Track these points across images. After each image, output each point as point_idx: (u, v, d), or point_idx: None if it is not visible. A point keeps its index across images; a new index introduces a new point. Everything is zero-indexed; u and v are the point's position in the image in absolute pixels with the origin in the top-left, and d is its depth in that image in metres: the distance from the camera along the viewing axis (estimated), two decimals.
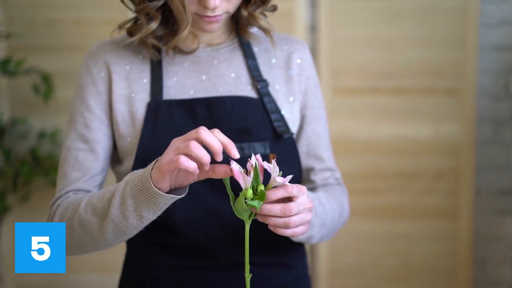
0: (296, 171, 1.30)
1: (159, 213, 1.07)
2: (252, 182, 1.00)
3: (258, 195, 1.00)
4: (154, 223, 1.23)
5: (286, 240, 1.29)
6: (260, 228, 1.19)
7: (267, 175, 1.02)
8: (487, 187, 2.58)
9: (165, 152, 1.00)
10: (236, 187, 1.01)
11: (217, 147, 0.98)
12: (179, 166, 0.96)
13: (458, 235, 2.55)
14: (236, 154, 0.99)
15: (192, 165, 0.96)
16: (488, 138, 2.55)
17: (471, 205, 2.53)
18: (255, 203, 0.99)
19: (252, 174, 1.00)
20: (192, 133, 0.98)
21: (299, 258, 1.36)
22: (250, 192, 0.99)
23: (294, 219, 1.03)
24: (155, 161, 1.04)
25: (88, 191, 1.24)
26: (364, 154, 2.54)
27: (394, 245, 2.58)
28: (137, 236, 1.27)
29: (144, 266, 1.28)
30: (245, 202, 0.99)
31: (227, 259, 1.24)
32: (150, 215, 1.07)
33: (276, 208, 1.01)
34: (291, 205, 1.01)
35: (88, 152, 1.24)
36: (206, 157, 0.97)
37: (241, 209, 1.00)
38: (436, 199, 2.55)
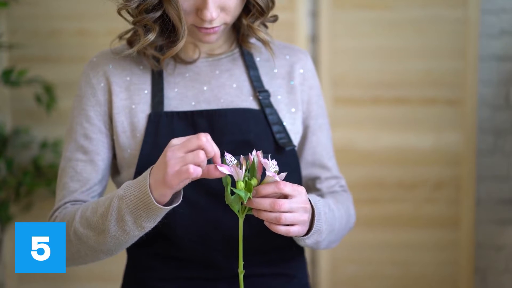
0: (297, 183, 1.29)
1: (159, 219, 1.08)
2: (246, 176, 1.02)
3: (246, 187, 1.01)
4: (156, 236, 1.23)
5: (288, 250, 1.29)
6: (261, 239, 1.20)
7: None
8: (488, 197, 2.58)
9: (164, 164, 1.00)
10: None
11: (213, 155, 1.01)
12: (190, 176, 0.98)
13: (458, 244, 2.54)
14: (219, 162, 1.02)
15: (200, 172, 0.99)
16: (488, 148, 2.56)
17: (471, 214, 2.53)
18: (242, 193, 1.00)
19: (244, 167, 1.02)
20: (193, 141, 0.99)
21: (300, 268, 1.35)
22: (241, 185, 1.01)
23: (286, 216, 1.03)
24: (149, 170, 1.04)
25: (85, 202, 1.23)
26: (365, 164, 2.54)
27: (395, 255, 2.58)
28: (138, 248, 1.28)
29: (146, 277, 1.28)
30: (230, 190, 1.01)
31: (229, 270, 1.23)
32: (151, 224, 1.07)
33: (266, 202, 1.02)
34: (282, 200, 1.03)
35: (87, 163, 1.24)
36: (205, 164, 1.00)
37: (229, 199, 1.02)
38: (437, 209, 2.55)
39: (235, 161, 1.02)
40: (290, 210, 1.04)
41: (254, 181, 1.02)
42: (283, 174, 1.03)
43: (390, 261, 2.58)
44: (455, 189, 2.53)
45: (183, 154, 0.99)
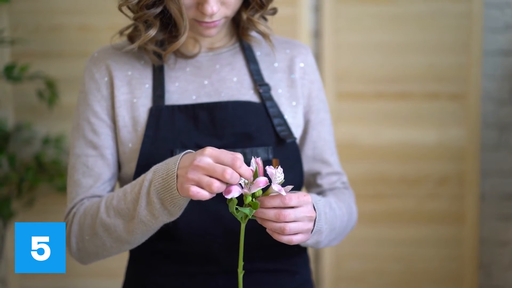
0: (298, 176, 1.29)
1: (184, 206, 1.08)
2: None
3: (252, 204, 1.00)
4: (158, 232, 1.22)
5: (290, 246, 1.28)
6: (263, 235, 1.19)
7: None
8: (492, 192, 2.57)
9: (186, 169, 1.00)
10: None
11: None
12: (191, 197, 1.00)
13: (463, 240, 2.54)
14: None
15: (204, 196, 0.99)
16: (492, 143, 2.55)
17: (476, 210, 2.52)
18: (247, 210, 0.99)
19: (251, 187, 1.00)
20: (218, 170, 0.97)
21: (303, 264, 1.35)
22: (249, 199, 1.00)
23: (291, 226, 1.03)
24: (180, 155, 1.04)
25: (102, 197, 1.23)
26: (368, 159, 2.53)
27: (398, 251, 2.57)
28: (140, 245, 1.27)
29: (148, 273, 1.28)
30: (236, 208, 1.00)
31: (231, 264, 1.22)
32: (177, 210, 1.07)
33: (271, 213, 1.01)
34: (288, 211, 1.02)
35: (98, 158, 1.24)
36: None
37: (232, 208, 1.01)
38: (441, 204, 2.54)
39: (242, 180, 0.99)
40: (295, 219, 1.03)
41: (259, 192, 1.01)
42: (289, 187, 1.01)
43: (393, 257, 2.58)
44: (459, 184, 2.52)
45: (201, 175, 0.98)
